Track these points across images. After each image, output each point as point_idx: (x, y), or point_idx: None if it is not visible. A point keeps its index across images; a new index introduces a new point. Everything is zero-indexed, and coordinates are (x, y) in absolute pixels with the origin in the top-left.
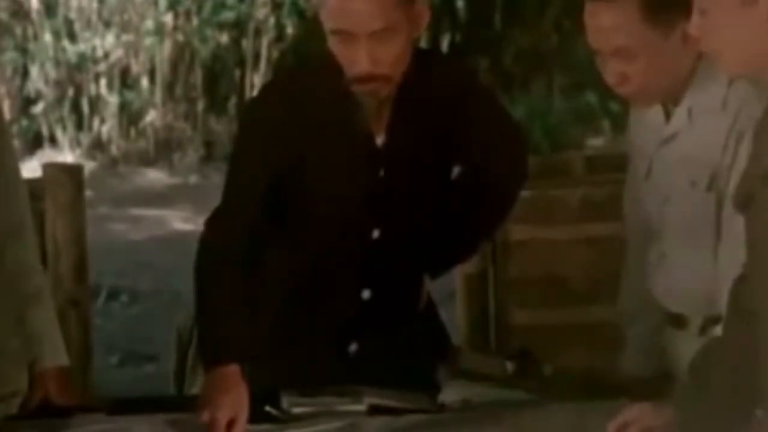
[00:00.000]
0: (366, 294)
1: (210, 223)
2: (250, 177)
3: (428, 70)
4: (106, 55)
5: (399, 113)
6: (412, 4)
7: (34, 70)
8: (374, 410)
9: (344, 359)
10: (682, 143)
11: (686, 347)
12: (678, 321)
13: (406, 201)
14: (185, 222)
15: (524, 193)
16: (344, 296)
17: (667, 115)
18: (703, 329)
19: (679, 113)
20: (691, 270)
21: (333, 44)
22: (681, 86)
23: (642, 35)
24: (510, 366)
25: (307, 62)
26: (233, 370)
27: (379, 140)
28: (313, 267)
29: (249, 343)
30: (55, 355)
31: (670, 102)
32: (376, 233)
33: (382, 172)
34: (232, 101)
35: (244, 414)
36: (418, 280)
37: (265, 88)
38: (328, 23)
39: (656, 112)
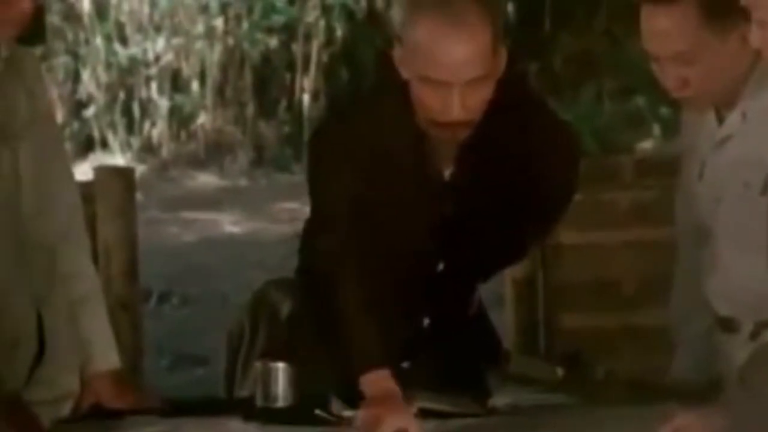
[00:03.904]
0: (426, 321)
1: (311, 237)
2: (335, 196)
3: (494, 98)
4: (157, 59)
5: (466, 147)
6: (500, 48)
7: (85, 74)
8: (424, 414)
9: (397, 373)
10: (735, 146)
11: (737, 352)
12: (729, 325)
13: (472, 233)
14: (235, 225)
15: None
16: (404, 325)
17: (720, 119)
18: (755, 334)
19: (733, 117)
20: (742, 273)
21: (421, 89)
22: (735, 90)
23: (701, 39)
24: (560, 370)
25: (378, 93)
26: (389, 379)
27: (447, 173)
28: (376, 296)
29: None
30: (107, 358)
31: (723, 106)
32: (441, 266)
33: (449, 207)
34: (282, 105)
35: (414, 426)
36: (472, 291)
37: (338, 117)
38: (419, 70)
39: (709, 114)
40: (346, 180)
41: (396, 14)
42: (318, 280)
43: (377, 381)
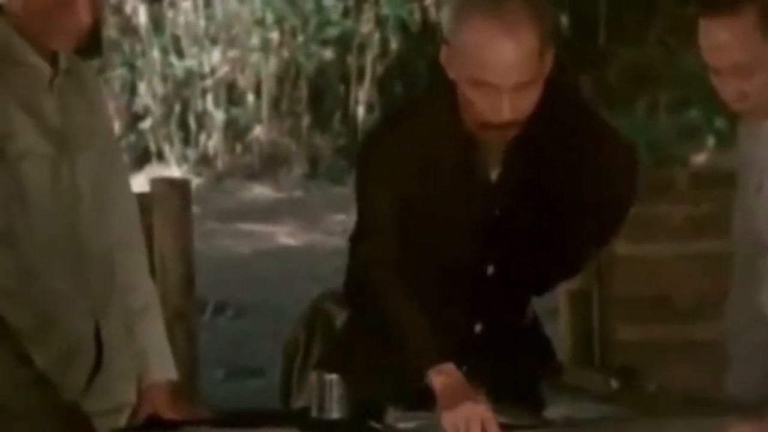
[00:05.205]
0: (478, 327)
1: (359, 245)
2: (381, 203)
3: (541, 99)
4: (213, 71)
5: (513, 148)
6: (547, 51)
7: (142, 86)
8: None
9: None
10: None
11: None
12: None
13: (521, 236)
14: (290, 237)
15: None
16: (457, 329)
17: None
18: None
19: None
20: None
21: (469, 92)
22: None
23: (761, 50)
24: (614, 382)
25: (425, 96)
26: (455, 371)
27: (494, 175)
28: (428, 302)
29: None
30: (163, 369)
31: None
32: (490, 270)
33: (497, 210)
34: (337, 117)
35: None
36: (525, 301)
37: (387, 122)
38: (467, 72)
39: (766, 126)
40: (394, 185)
41: (445, 16)
42: (365, 290)
43: (444, 373)
